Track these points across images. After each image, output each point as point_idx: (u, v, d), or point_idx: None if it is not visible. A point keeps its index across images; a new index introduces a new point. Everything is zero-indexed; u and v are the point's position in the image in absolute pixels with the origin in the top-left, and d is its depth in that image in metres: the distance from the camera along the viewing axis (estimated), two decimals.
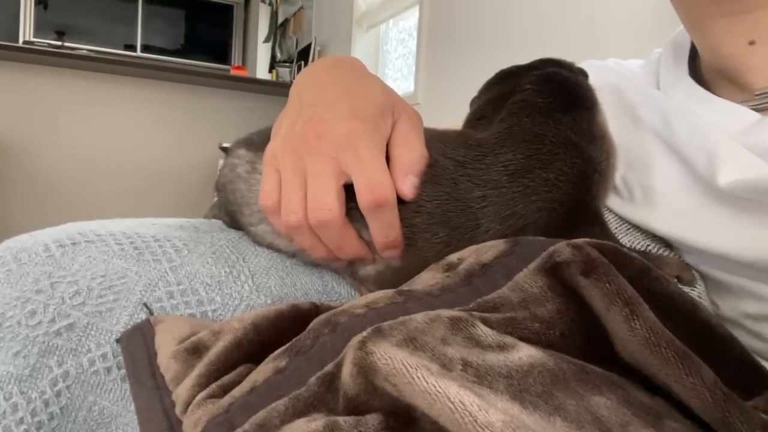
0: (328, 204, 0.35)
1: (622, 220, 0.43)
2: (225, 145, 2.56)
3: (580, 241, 0.31)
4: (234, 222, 0.45)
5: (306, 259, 0.42)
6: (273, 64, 3.60)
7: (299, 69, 3.02)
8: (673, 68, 0.47)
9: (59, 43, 4.24)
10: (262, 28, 3.97)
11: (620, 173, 0.44)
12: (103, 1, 4.47)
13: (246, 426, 0.23)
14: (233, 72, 3.12)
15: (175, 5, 4.66)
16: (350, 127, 0.36)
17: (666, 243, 0.41)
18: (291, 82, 3.05)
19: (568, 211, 0.36)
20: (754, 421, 0.23)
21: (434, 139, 0.39)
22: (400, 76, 2.36)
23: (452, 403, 0.20)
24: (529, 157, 0.36)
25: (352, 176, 0.36)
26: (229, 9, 4.68)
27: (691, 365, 0.25)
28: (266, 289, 0.39)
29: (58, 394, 0.34)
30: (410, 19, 2.23)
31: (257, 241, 0.43)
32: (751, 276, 0.35)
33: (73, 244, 0.38)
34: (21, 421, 0.33)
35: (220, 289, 0.38)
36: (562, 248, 0.31)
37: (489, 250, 0.34)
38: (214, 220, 0.50)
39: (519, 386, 0.23)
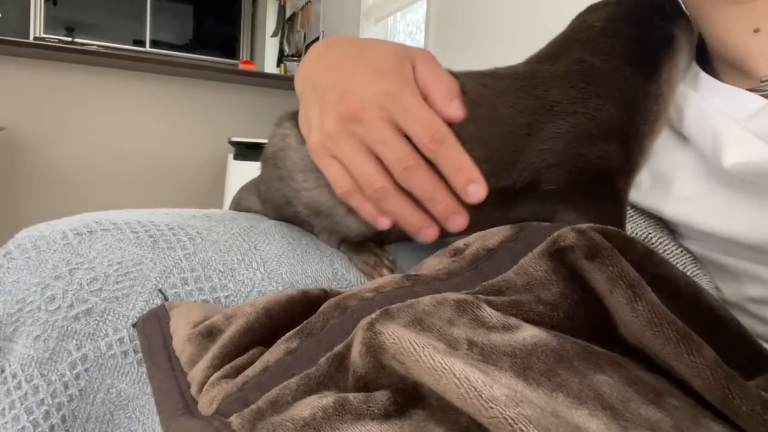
0: (407, 155, 0.37)
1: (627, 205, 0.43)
2: (234, 139, 2.57)
3: (584, 225, 0.32)
4: (278, 193, 0.45)
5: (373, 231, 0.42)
6: (281, 59, 3.61)
7: None
8: None
9: (69, 39, 4.27)
10: (270, 22, 3.97)
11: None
12: None
13: (260, 402, 0.24)
14: (241, 66, 3.13)
15: (183, 0, 4.68)
16: (382, 85, 0.37)
17: (668, 230, 0.41)
18: None
19: (595, 177, 0.37)
20: (754, 399, 0.24)
21: (471, 75, 0.41)
22: None
23: (458, 378, 0.21)
24: (574, 103, 0.37)
25: (405, 128, 0.37)
26: (237, 3, 4.69)
27: (692, 345, 0.25)
28: (277, 276, 0.40)
29: (77, 377, 0.35)
30: (418, 11, 2.23)
31: (310, 204, 0.43)
32: (756, 259, 0.36)
33: (90, 232, 0.39)
34: (42, 402, 0.34)
35: (232, 275, 0.39)
36: (566, 233, 0.31)
37: (494, 235, 0.35)
38: (227, 210, 0.51)
39: (523, 364, 0.24)
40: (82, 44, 3.35)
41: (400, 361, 0.23)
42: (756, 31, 0.38)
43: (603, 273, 0.29)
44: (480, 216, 0.39)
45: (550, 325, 0.29)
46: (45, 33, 4.30)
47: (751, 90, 0.39)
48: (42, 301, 0.35)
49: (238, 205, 0.53)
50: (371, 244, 0.44)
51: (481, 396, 0.20)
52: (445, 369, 0.21)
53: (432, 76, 0.39)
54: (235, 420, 0.24)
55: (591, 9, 0.42)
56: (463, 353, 0.24)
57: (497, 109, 0.39)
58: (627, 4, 0.40)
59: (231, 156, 2.57)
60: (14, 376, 0.34)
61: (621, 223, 0.38)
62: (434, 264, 0.35)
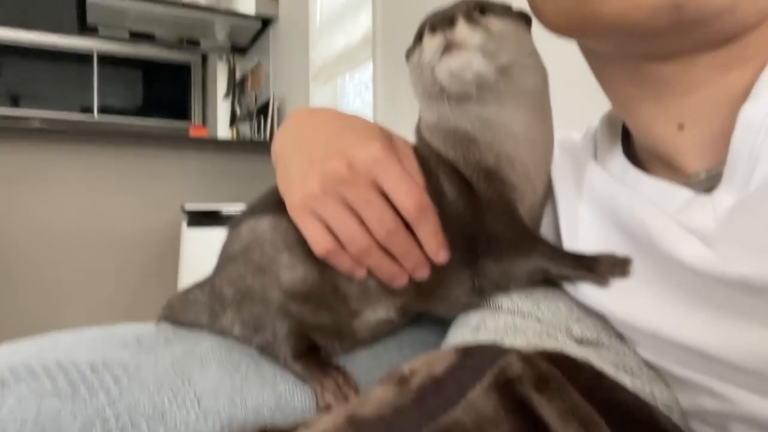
0: (390, 218, 0.41)
1: (572, 305, 0.42)
2: (188, 206, 2.52)
3: (531, 352, 0.30)
4: (249, 290, 0.44)
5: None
6: (233, 120, 3.61)
7: (259, 124, 3.02)
8: (608, 146, 0.47)
9: (14, 110, 4.17)
10: (221, 84, 3.99)
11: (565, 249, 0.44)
12: (57, 65, 4.43)
13: None
14: (192, 132, 3.11)
15: (131, 66, 4.65)
16: (371, 150, 0.41)
17: (618, 333, 0.40)
18: (252, 139, 3.05)
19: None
20: None
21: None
22: None
23: None
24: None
25: (389, 193, 0.41)
26: (186, 67, 4.69)
27: None
28: (214, 413, 0.37)
29: None
30: (365, 72, 2.27)
31: (294, 285, 0.43)
32: (706, 370, 0.35)
33: (2, 385, 0.35)
34: None
35: (163, 420, 0.36)
36: (513, 362, 0.30)
37: (440, 361, 0.33)
38: (162, 327, 0.48)
39: None
40: (26, 119, 3.27)
41: None
42: (680, 127, 0.39)
43: (554, 408, 0.28)
44: (443, 267, 0.43)
45: None
46: None
47: (677, 183, 0.39)
48: None
49: (176, 320, 0.50)
50: (333, 367, 0.42)
51: None
52: None
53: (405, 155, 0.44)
54: None
55: None
56: None
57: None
58: None
59: (185, 224, 2.51)
60: None
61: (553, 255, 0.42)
62: (379, 396, 0.33)
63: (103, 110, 4.53)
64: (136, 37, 3.28)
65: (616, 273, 0.39)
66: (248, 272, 0.43)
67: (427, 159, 0.44)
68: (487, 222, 0.42)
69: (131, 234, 2.69)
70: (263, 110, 2.98)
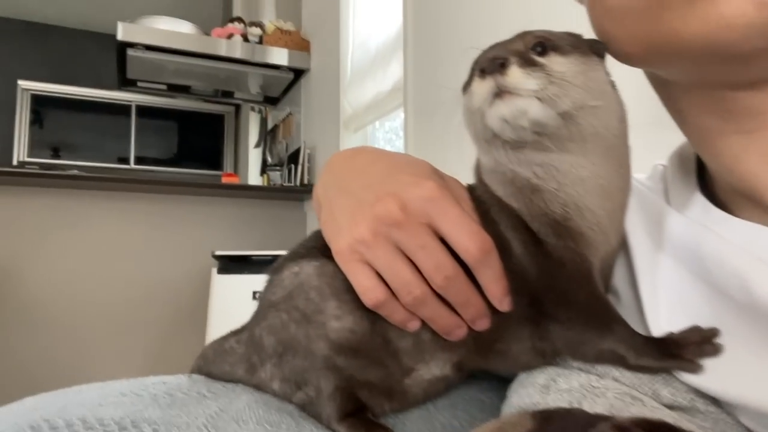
0: (448, 263, 0.37)
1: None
2: (218, 252, 2.52)
3: (625, 420, 0.26)
4: (293, 341, 0.40)
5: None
6: (264, 168, 3.65)
7: (289, 172, 3.05)
8: (682, 186, 0.43)
9: (54, 161, 4.31)
10: (253, 134, 4.07)
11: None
12: (97, 118, 4.60)
13: None
14: (224, 179, 3.15)
15: (167, 117, 4.80)
16: (424, 189, 0.37)
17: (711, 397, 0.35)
18: (282, 185, 3.07)
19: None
20: None
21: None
22: None
23: None
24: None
25: (448, 235, 0.37)
26: (219, 118, 4.83)
27: None
28: None
29: None
30: (396, 119, 2.28)
31: (342, 338, 0.39)
32: None
33: None
34: None
35: None
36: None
37: (515, 428, 0.29)
38: (195, 379, 0.44)
39: None
40: (65, 167, 3.37)
41: None
42: None
43: None
44: (503, 318, 0.39)
45: None
46: (30, 156, 4.34)
47: None
48: None
49: (210, 372, 0.46)
50: (381, 429, 0.38)
51: None
52: None
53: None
54: None
55: None
56: None
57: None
58: None
59: (215, 270, 2.50)
60: None
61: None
62: None
63: (139, 160, 4.66)
64: (173, 89, 3.39)
65: (707, 353, 0.33)
66: (291, 321, 0.39)
67: (486, 204, 0.40)
68: (557, 282, 0.37)
69: (162, 280, 2.69)
70: (294, 158, 3.01)
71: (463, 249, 0.37)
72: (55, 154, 4.49)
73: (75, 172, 2.81)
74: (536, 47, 0.37)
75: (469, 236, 0.37)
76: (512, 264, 0.38)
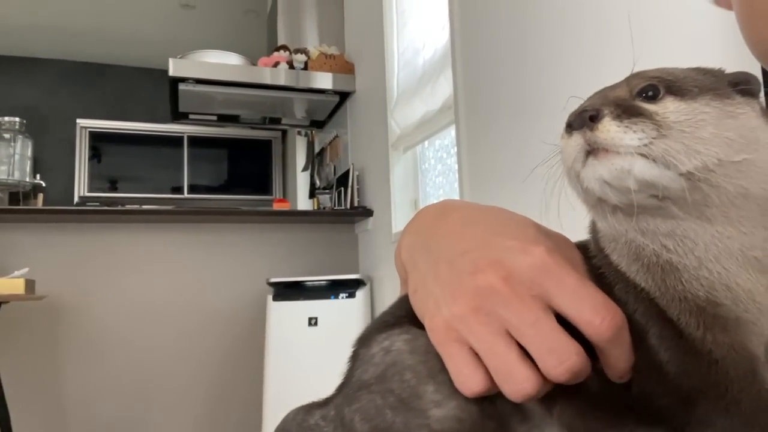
0: (570, 349, 0.29)
1: None
2: (273, 279, 2.52)
3: None
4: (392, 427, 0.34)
5: None
6: (313, 192, 3.67)
7: (339, 195, 3.04)
8: None
9: (112, 195, 4.48)
10: (300, 158, 4.11)
11: None
12: (151, 150, 4.76)
13: None
14: (276, 205, 3.17)
15: (217, 146, 4.93)
16: (533, 256, 0.31)
17: None
18: (333, 209, 3.07)
19: None
20: None
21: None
22: (442, 194, 2.33)
23: None
24: None
25: (565, 308, 0.30)
26: (267, 144, 4.91)
27: None
28: None
29: None
30: (446, 138, 2.23)
31: (440, 428, 0.33)
32: None
33: None
34: None
35: None
36: None
37: None
38: None
39: None
40: (123, 200, 3.48)
41: None
42: None
43: None
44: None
45: None
46: (89, 191, 4.53)
47: None
48: None
49: None
50: None
51: None
52: None
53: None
54: None
55: None
56: None
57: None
58: None
59: (270, 297, 2.50)
60: None
61: None
62: None
63: (191, 189, 4.79)
64: (223, 119, 3.46)
65: None
66: (387, 408, 0.34)
67: (607, 278, 0.34)
68: (709, 385, 0.30)
69: (219, 309, 2.72)
70: (343, 180, 3.01)
71: (589, 325, 0.30)
72: (113, 186, 4.68)
73: (134, 206, 2.89)
74: (646, 91, 0.31)
75: (594, 309, 0.30)
76: (646, 356, 0.31)
